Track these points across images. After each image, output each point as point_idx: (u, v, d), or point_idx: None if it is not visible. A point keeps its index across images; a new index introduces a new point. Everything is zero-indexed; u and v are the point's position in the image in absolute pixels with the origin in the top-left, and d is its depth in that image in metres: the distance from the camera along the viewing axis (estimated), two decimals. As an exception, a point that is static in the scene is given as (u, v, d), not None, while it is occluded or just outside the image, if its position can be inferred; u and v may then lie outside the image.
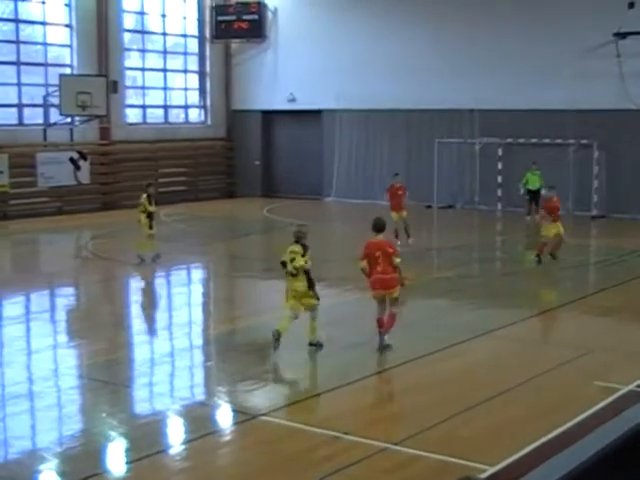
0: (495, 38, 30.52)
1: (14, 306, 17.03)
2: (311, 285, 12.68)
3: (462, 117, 31.16)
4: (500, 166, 30.58)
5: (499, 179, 30.61)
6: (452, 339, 13.10)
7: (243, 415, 9.87)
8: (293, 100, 34.98)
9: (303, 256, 12.62)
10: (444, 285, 18.09)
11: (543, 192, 23.99)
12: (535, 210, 27.92)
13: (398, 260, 12.67)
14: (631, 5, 26.99)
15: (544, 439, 8.67)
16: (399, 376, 11.63)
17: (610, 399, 10.05)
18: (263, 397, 10.84)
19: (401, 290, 12.94)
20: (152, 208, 20.23)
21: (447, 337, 13.23)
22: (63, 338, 14.43)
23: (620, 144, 28.34)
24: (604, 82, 28.14)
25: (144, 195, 20.32)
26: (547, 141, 29.48)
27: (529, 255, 21.71)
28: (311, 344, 12.76)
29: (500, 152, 30.59)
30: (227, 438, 9.54)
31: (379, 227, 12.95)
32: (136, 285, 19.53)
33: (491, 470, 7.60)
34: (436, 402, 10.32)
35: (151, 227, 20.22)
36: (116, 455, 9.02)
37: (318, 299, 12.82)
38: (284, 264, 12.68)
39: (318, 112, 34.44)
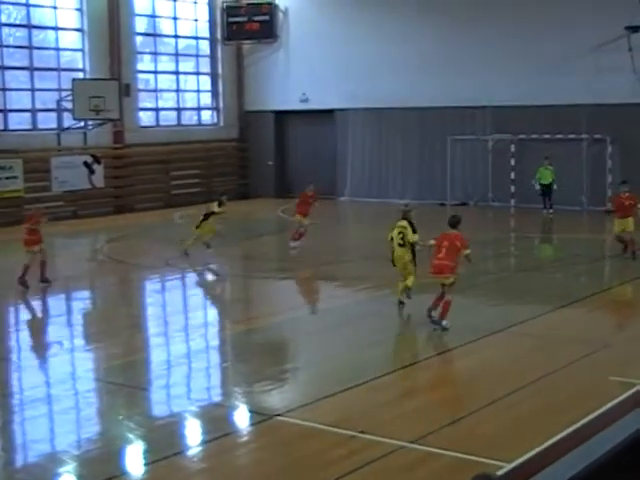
0: (506, 34, 30.43)
1: (31, 310, 17.12)
2: (414, 256, 15.00)
3: (475, 114, 31.10)
4: (513, 162, 30.51)
5: (512, 175, 30.55)
6: (469, 336, 13.09)
7: (260, 416, 9.89)
8: (306, 100, 34.99)
9: (414, 232, 14.86)
10: (458, 282, 18.03)
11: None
12: (549, 204, 27.89)
13: (467, 252, 14.01)
14: (641, 0, 26.88)
15: (560, 435, 8.65)
16: (415, 374, 11.64)
17: (627, 394, 10.02)
18: (279, 397, 10.86)
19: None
20: (217, 209, 21.13)
21: (464, 334, 13.22)
22: (80, 341, 14.48)
23: (633, 138, 28.23)
24: (616, 76, 28.03)
25: (216, 203, 21.24)
26: (560, 136, 29.39)
27: (545, 250, 21.68)
28: (400, 302, 15.26)
29: (513, 148, 30.52)
30: (244, 439, 9.57)
31: (452, 223, 14.26)
32: (152, 287, 19.59)
33: (508, 467, 7.59)
34: (452, 399, 10.32)
35: (198, 226, 21.12)
36: (134, 457, 9.06)
37: (415, 267, 15.13)
38: (392, 238, 15.08)
39: (331, 112, 34.44)
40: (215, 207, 21.39)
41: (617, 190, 21.79)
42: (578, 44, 28.85)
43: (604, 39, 28.36)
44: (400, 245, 14.98)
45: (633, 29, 27.53)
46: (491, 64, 30.51)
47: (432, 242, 14.23)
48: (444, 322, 13.62)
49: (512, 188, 30.63)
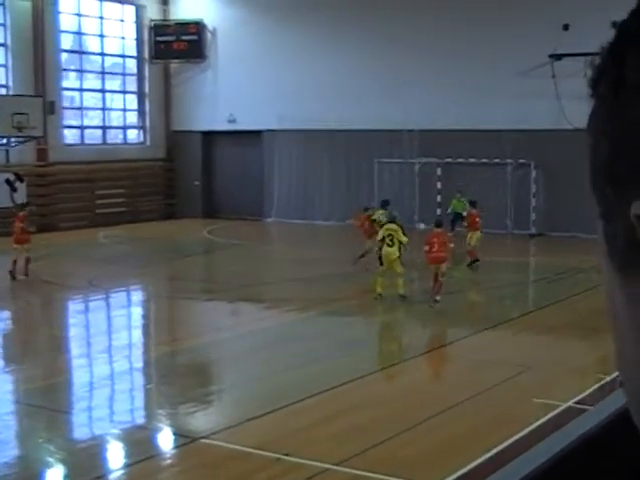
0: (434, 59, 30.81)
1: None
2: (400, 255, 17.57)
3: (402, 137, 31.38)
4: (439, 186, 30.84)
5: (438, 198, 30.87)
6: (393, 358, 13.15)
7: (184, 438, 9.78)
8: (233, 121, 34.93)
9: (404, 234, 17.73)
10: (383, 304, 18.13)
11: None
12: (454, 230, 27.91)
13: (451, 245, 18.30)
14: (566, 27, 27.50)
15: (484, 457, 8.72)
16: (340, 396, 11.62)
17: (549, 416, 10.15)
18: (204, 420, 10.75)
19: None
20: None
21: (387, 357, 13.28)
22: (-1, 363, 14.17)
23: (557, 163, 28.75)
24: (541, 102, 28.56)
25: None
26: (485, 160, 29.81)
27: (469, 273, 21.95)
28: (401, 296, 17.58)
29: (439, 172, 30.85)
30: (168, 462, 9.44)
31: (437, 224, 18.55)
32: (75, 308, 19.28)
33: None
34: (377, 422, 10.33)
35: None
36: (54, 481, 8.86)
37: (403, 266, 17.94)
38: (383, 239, 17.61)
39: (258, 132, 34.43)
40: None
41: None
42: (503, 70, 29.35)
43: (529, 66, 28.92)
44: (389, 245, 17.51)
45: (557, 57, 28.11)
46: (419, 88, 30.83)
47: (427, 248, 17.58)
48: (438, 297, 17.15)
49: (438, 211, 30.92)
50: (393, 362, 12.96)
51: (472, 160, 30.09)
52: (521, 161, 29.34)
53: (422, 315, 17.55)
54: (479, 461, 8.57)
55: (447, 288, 21.17)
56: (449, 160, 30.54)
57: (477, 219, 23.03)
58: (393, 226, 17.93)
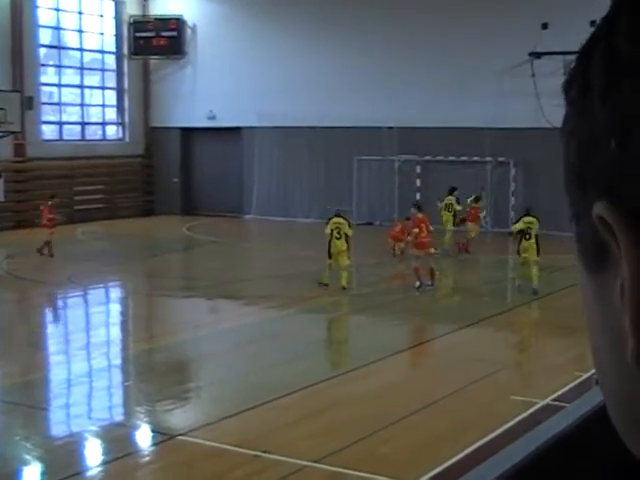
0: (414, 56, 30.85)
1: None
2: (348, 247, 18.29)
3: (381, 134, 31.41)
4: (419, 183, 30.89)
5: (418, 196, 30.89)
6: (371, 356, 13.15)
7: (162, 435, 9.75)
8: (213, 117, 34.85)
9: (350, 226, 18.65)
10: (363, 302, 18.16)
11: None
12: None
13: (431, 229, 18.83)
14: (545, 26, 27.60)
15: (462, 454, 8.75)
16: (319, 394, 11.62)
17: (527, 413, 10.19)
18: (182, 417, 10.73)
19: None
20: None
21: (366, 354, 13.28)
22: (-24, 360, 14.08)
23: (536, 161, 28.86)
24: (520, 101, 28.64)
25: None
26: (465, 158, 29.88)
27: (447, 271, 22.00)
28: (343, 288, 18.14)
29: (419, 169, 30.91)
30: (146, 459, 9.41)
31: (419, 207, 19.33)
32: (52, 305, 19.19)
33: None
34: (357, 419, 10.34)
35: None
36: (31, 479, 8.82)
37: (349, 259, 18.53)
38: (331, 231, 18.34)
39: (238, 129, 34.36)
40: None
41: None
42: (484, 68, 29.41)
43: (508, 64, 29.01)
44: (337, 238, 18.29)
45: (536, 55, 28.22)
46: (399, 86, 30.86)
47: (416, 231, 18.51)
48: (431, 284, 18.47)
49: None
50: (372, 360, 12.97)
51: (452, 158, 30.15)
52: (500, 159, 29.43)
53: (402, 313, 17.57)
54: (457, 458, 8.60)
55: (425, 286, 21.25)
56: (429, 158, 30.60)
57: (479, 214, 24.74)
58: (340, 220, 18.71)
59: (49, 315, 18.41)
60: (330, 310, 17.24)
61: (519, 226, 18.74)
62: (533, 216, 18.73)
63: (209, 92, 34.54)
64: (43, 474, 8.80)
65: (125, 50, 35.52)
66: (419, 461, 8.76)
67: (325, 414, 10.86)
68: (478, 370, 12.57)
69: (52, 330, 16.86)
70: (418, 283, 18.58)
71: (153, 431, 10.04)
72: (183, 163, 36.18)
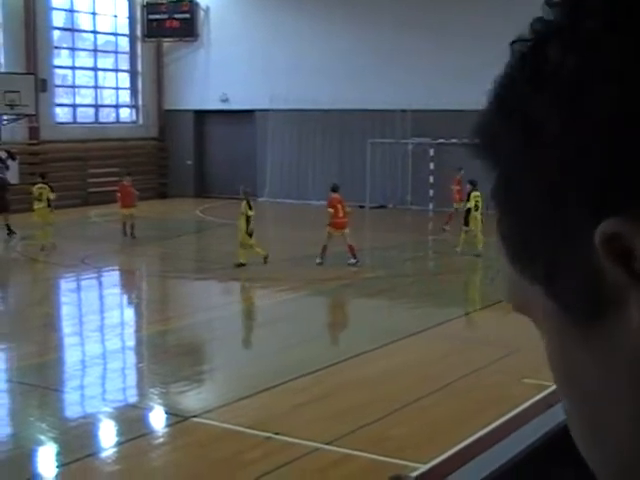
0: (427, 38, 30.74)
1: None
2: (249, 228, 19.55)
3: (394, 117, 31.35)
4: (432, 166, 30.84)
5: (431, 179, 30.87)
6: (384, 339, 13.18)
7: (175, 417, 9.82)
8: (226, 100, 34.84)
9: (250, 209, 20.00)
10: (376, 285, 18.18)
11: None
12: None
13: (349, 209, 19.83)
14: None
15: (474, 436, 8.77)
16: (332, 376, 11.67)
17: (540, 395, 10.21)
18: (196, 398, 10.79)
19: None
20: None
21: (379, 336, 13.31)
22: (-9, 341, 14.19)
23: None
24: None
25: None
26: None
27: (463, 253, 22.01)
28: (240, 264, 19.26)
29: (432, 152, 30.85)
30: (159, 440, 9.48)
31: (334, 189, 20.30)
32: (67, 286, 19.28)
33: (423, 468, 7.67)
34: (368, 401, 10.38)
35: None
36: (46, 459, 8.91)
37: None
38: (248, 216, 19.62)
39: (251, 112, 34.35)
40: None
41: None
42: (496, 50, 29.27)
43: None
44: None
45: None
46: (411, 68, 30.78)
47: (332, 211, 19.46)
48: (355, 260, 19.01)
49: (430, 192, 30.96)
50: (384, 342, 13.00)
51: (465, 141, 29.99)
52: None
53: (414, 296, 17.59)
54: (470, 440, 8.63)
55: (437, 268, 21.28)
56: (442, 141, 30.52)
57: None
58: (243, 204, 20.15)
59: (63, 297, 18.49)
60: (342, 292, 17.27)
61: (470, 204, 20.78)
62: (477, 190, 20.40)
63: (222, 75, 34.52)
64: (58, 454, 8.86)
65: (138, 32, 35.52)
66: (431, 444, 8.78)
67: (337, 396, 10.91)
68: (491, 353, 12.58)
69: (66, 312, 16.95)
70: (319, 259, 19.30)
71: (167, 413, 10.10)
72: (196, 146, 36.21)
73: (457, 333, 14.07)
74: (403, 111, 31.04)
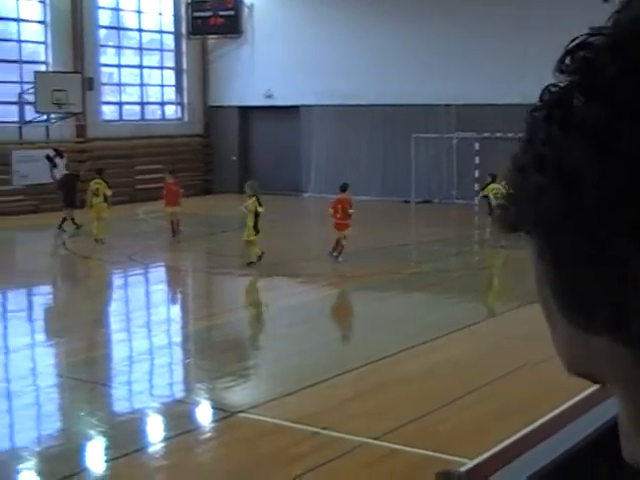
0: (472, 33, 30.58)
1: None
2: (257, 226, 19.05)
3: (439, 112, 31.21)
4: (477, 161, 30.65)
5: (476, 173, 30.68)
6: (431, 334, 13.14)
7: (222, 412, 9.87)
8: (270, 96, 34.92)
9: (260, 205, 19.20)
10: (421, 279, 18.13)
11: None
12: None
13: (351, 211, 19.57)
14: (606, 0, 27.18)
15: (523, 431, 8.72)
16: (379, 371, 11.65)
17: (586, 392, 10.12)
18: (242, 394, 10.84)
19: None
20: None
21: (426, 332, 13.27)
22: (41, 337, 14.39)
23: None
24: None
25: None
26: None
27: (508, 248, 21.83)
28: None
29: (477, 147, 30.66)
30: (206, 435, 9.54)
31: (342, 188, 20.45)
32: (114, 283, 19.47)
33: (470, 464, 7.64)
34: (416, 396, 10.36)
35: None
36: (95, 454, 9.00)
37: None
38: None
39: (295, 108, 34.39)
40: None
41: None
42: (542, 45, 29.07)
43: (566, 40, 28.59)
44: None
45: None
46: (456, 62, 30.63)
47: (331, 212, 19.58)
48: (340, 258, 19.05)
49: (476, 186, 30.76)
50: (429, 338, 12.95)
51: (510, 135, 29.86)
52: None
53: (461, 290, 17.52)
54: (519, 434, 8.58)
55: (484, 263, 21.16)
56: (487, 135, 30.33)
57: None
58: (253, 198, 19.23)
59: (111, 293, 18.67)
60: (386, 288, 17.23)
61: (486, 192, 21.89)
62: (496, 182, 21.02)
63: (266, 71, 34.61)
64: (107, 449, 8.96)
65: (183, 30, 35.73)
66: (479, 438, 8.74)
67: (381, 392, 10.89)
68: (539, 348, 12.46)
69: (114, 308, 17.11)
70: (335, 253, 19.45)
71: (213, 408, 10.16)
72: (241, 142, 36.35)
73: (505, 328, 13.98)
74: (447, 105, 30.90)
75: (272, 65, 34.45)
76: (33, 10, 30.73)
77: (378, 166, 32.96)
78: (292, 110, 34.38)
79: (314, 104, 33.77)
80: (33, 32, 30.97)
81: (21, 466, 8.58)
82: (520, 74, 29.24)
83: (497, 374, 11.14)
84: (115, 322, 15.58)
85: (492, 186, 21.56)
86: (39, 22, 30.83)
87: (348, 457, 8.43)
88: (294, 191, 34.30)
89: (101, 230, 22.86)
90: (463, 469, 3.40)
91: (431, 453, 8.40)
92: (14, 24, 30.48)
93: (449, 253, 22.05)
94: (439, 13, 31.10)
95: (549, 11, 28.85)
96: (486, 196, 22.04)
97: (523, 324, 14.35)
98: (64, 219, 25.10)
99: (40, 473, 8.53)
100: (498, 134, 30.02)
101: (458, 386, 10.67)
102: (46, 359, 12.92)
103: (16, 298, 17.67)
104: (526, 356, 12.01)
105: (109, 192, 23.78)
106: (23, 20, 30.54)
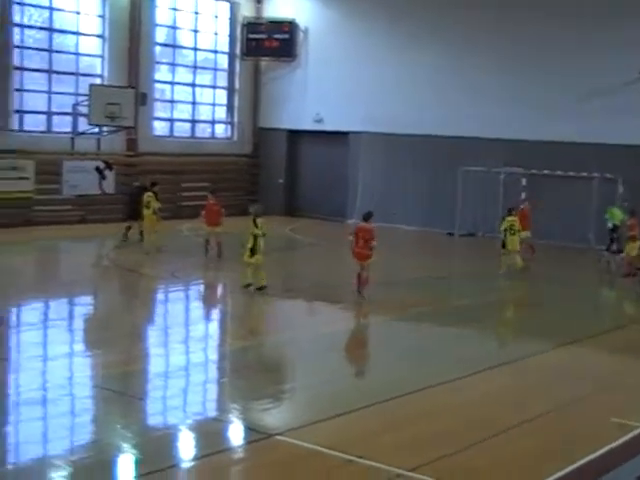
0: (523, 69, 30.56)
1: (33, 313, 17.07)
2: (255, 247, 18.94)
3: (487, 146, 31.09)
4: (523, 196, 30.43)
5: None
6: (470, 368, 13.01)
7: (257, 434, 9.82)
8: (320, 121, 35.03)
9: (256, 227, 19.23)
10: (462, 312, 18.00)
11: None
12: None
13: (374, 243, 18.38)
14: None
15: (561, 473, 8.58)
16: (416, 402, 11.55)
17: (627, 437, 9.95)
18: (277, 416, 10.79)
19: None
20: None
21: (464, 366, 13.15)
22: (80, 347, 14.45)
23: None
24: (629, 117, 28.18)
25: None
26: (572, 174, 29.37)
27: (550, 285, 21.63)
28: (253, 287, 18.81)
29: (524, 182, 30.49)
30: (240, 456, 9.50)
31: (365, 217, 19.12)
32: (155, 297, 19.54)
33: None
34: (453, 430, 10.25)
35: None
36: (127, 467, 8.99)
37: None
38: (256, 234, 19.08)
39: (345, 134, 34.46)
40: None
41: None
42: (593, 84, 29.02)
43: (618, 80, 28.53)
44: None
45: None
46: (506, 97, 30.59)
47: (351, 239, 18.66)
48: (364, 294, 18.17)
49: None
50: (470, 372, 12.83)
51: (559, 172, 29.66)
52: (607, 176, 28.82)
53: (501, 327, 17.34)
54: (552, 478, 8.44)
55: (527, 299, 20.95)
56: (535, 171, 30.17)
57: (636, 228, 23.37)
58: (256, 223, 19.35)
59: (151, 307, 18.74)
60: (426, 319, 17.13)
61: (504, 226, 22.80)
62: (512, 215, 22.88)
63: (318, 95, 34.75)
64: (139, 463, 8.94)
65: (237, 51, 36.00)
66: (514, 476, 8.63)
67: (419, 423, 10.79)
68: (578, 389, 12.32)
69: (153, 322, 17.17)
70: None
71: (248, 428, 10.12)
72: (288, 164, 36.46)
73: (544, 366, 13.81)
74: (496, 140, 30.80)
75: (323, 90, 34.59)
76: (92, 24, 31.15)
77: (423, 196, 32.88)
78: (341, 136, 34.46)
79: (363, 131, 33.82)
80: (91, 46, 31.37)
81: (53, 474, 8.59)
82: (568, 114, 29.17)
83: (534, 413, 11.00)
84: (154, 336, 15.63)
85: (509, 219, 22.77)
86: (97, 36, 31.25)
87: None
88: (339, 217, 34.28)
89: (152, 242, 23.33)
90: None
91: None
92: (72, 37, 30.92)
93: (491, 287, 21.85)
94: (491, 47, 31.16)
95: (598, 59, 28.71)
96: (505, 229, 22.89)
97: (562, 363, 14.17)
98: (129, 227, 25.39)
99: (72, 483, 8.54)
100: (546, 171, 29.88)
101: (496, 422, 10.54)
102: (83, 369, 12.99)
103: (57, 307, 17.81)
104: (564, 396, 11.86)
105: (157, 205, 24.07)
106: (82, 34, 30.95)
